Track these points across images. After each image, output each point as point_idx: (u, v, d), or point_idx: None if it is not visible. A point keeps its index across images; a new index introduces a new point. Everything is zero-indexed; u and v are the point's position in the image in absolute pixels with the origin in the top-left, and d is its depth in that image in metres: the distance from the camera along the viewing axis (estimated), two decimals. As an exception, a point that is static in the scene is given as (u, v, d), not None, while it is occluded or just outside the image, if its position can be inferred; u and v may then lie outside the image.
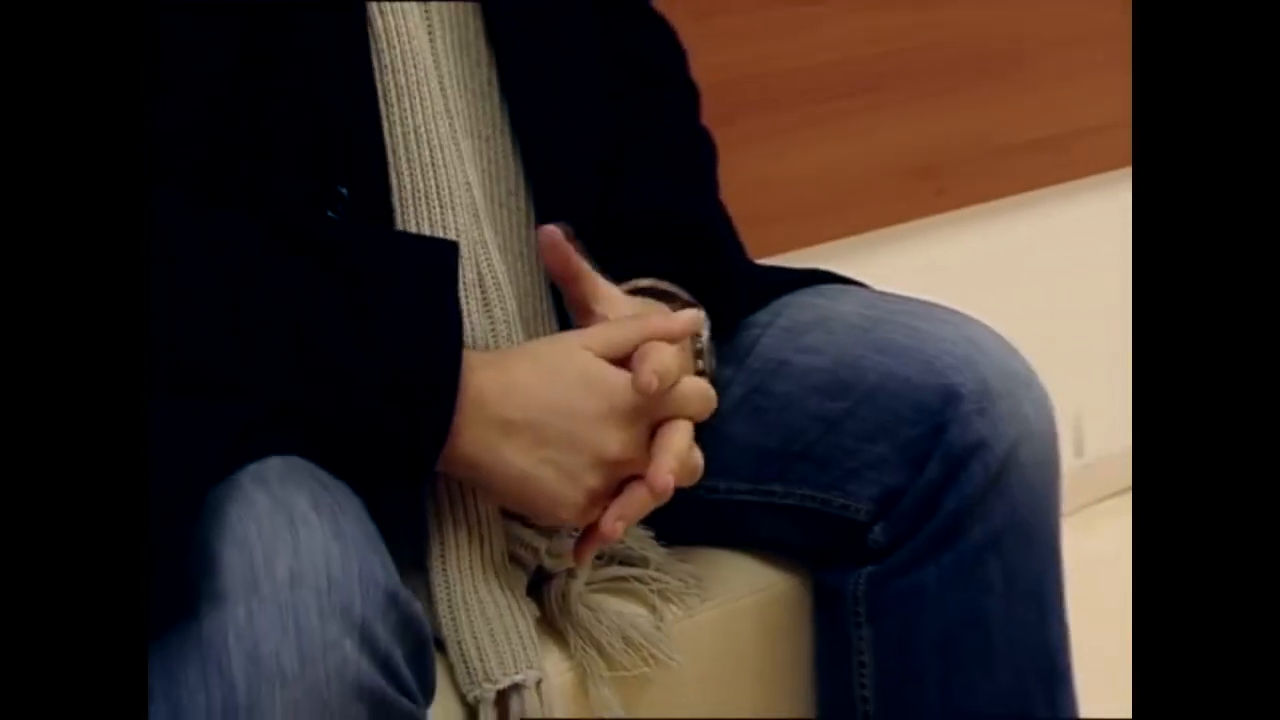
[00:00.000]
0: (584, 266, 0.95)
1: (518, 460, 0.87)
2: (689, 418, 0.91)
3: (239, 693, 0.71)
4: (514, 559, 0.97)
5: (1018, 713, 1.04)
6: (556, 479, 0.89)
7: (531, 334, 0.99)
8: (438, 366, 0.85)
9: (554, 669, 0.93)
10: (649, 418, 0.90)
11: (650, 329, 0.92)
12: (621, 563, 1.03)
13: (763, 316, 1.06)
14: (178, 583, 0.73)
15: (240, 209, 0.91)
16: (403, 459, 0.85)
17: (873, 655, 1.04)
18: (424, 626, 0.81)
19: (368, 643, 0.74)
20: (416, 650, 0.78)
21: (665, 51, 1.19)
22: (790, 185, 1.71)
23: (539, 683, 0.91)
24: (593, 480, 0.88)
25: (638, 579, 1.01)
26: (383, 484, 0.87)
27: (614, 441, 0.88)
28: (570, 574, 0.99)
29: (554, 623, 0.99)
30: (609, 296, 0.95)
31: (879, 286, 1.16)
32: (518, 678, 0.90)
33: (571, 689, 0.94)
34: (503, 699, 0.89)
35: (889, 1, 1.79)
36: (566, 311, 1.00)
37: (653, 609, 0.98)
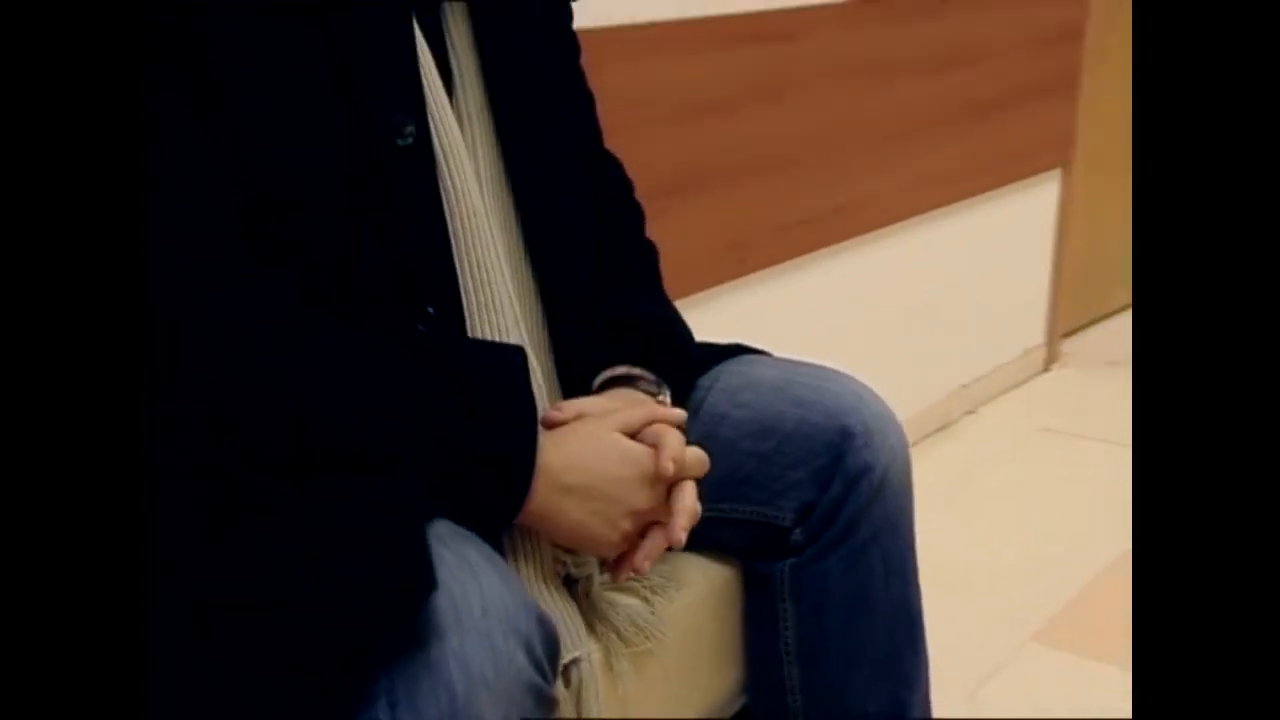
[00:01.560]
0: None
1: (573, 512, 1.07)
2: (692, 478, 1.13)
3: (459, 699, 0.89)
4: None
5: (894, 653, 1.30)
6: (601, 525, 1.10)
7: (551, 401, 1.18)
8: (522, 450, 1.04)
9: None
10: (666, 481, 1.12)
11: (653, 414, 1.15)
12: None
13: (704, 381, 1.29)
14: (410, 623, 0.91)
15: (356, 323, 1.06)
16: (495, 515, 1.05)
17: (794, 622, 1.27)
18: (554, 631, 1.00)
19: (530, 652, 0.93)
20: (550, 649, 0.98)
21: (622, 181, 1.40)
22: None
23: (589, 657, 1.14)
24: (627, 526, 1.10)
25: (634, 580, 1.20)
26: (476, 529, 1.03)
27: (643, 499, 1.10)
28: (589, 579, 1.19)
29: (582, 614, 1.19)
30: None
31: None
32: (576, 654, 1.11)
33: (599, 663, 1.14)
34: (567, 671, 1.10)
35: (698, 120, 2.00)
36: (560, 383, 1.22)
37: (646, 600, 1.19)
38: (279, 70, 1.05)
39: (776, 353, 1.39)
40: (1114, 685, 2.04)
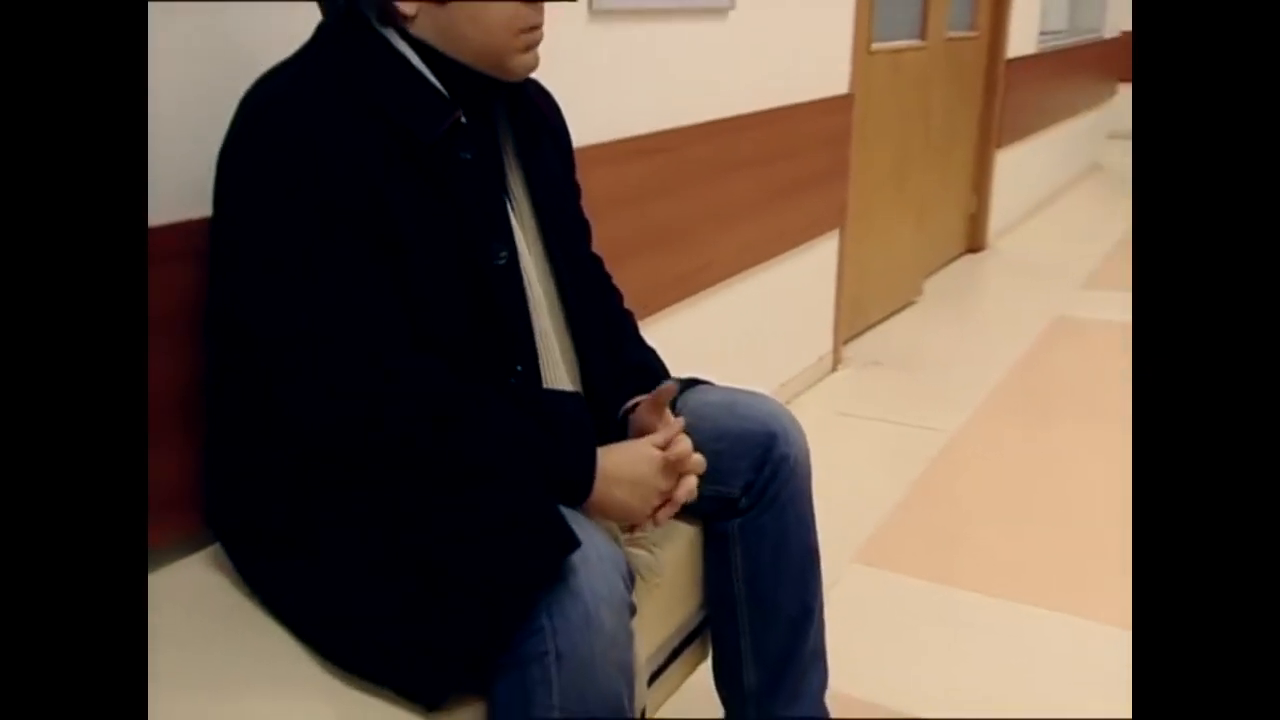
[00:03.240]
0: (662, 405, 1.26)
1: (620, 497, 1.18)
2: (693, 471, 1.23)
3: (590, 609, 1.02)
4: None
5: (803, 574, 1.42)
6: (639, 504, 1.20)
7: None
8: (587, 465, 1.15)
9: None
10: (679, 474, 1.22)
11: (674, 431, 1.23)
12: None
13: (678, 404, 1.35)
14: (561, 567, 1.02)
15: (473, 377, 1.13)
16: (571, 501, 1.13)
17: (741, 562, 1.40)
18: (631, 568, 1.10)
19: (624, 580, 1.07)
20: (630, 579, 1.09)
21: (605, 272, 1.48)
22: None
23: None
24: (655, 502, 1.21)
25: (642, 538, 1.32)
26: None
27: (665, 486, 1.21)
28: (616, 538, 1.24)
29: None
30: (665, 419, 1.26)
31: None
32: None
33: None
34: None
35: (616, 210, 2.01)
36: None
37: (650, 551, 1.31)
38: (424, 222, 1.13)
39: (674, 370, 1.45)
40: (916, 592, 2.15)
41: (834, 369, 3.37)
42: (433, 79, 1.15)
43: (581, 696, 1.01)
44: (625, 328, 1.45)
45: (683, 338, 2.38)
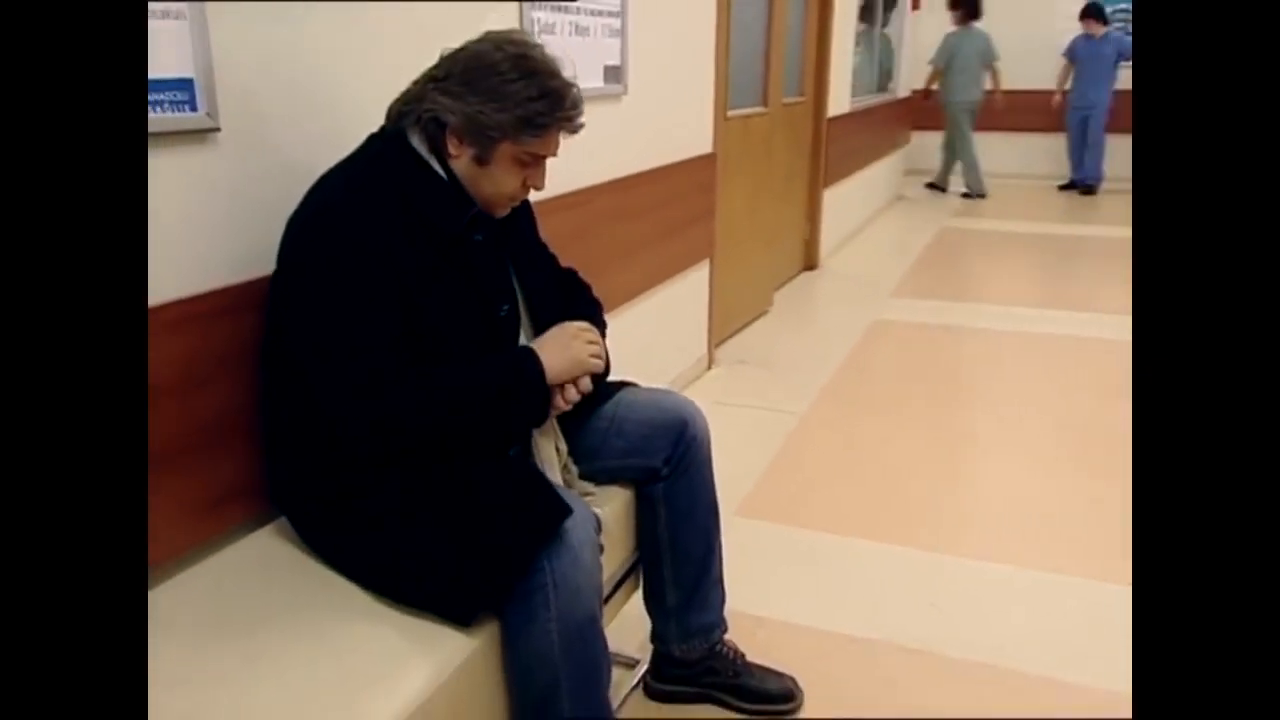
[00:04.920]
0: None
1: (557, 359, 1.25)
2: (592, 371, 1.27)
3: (578, 554, 1.12)
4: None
5: (707, 524, 1.51)
6: (576, 355, 1.26)
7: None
8: (537, 367, 1.22)
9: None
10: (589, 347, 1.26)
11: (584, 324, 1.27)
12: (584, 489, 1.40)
13: (613, 400, 1.44)
14: (554, 522, 1.11)
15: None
16: (534, 390, 1.21)
17: (664, 514, 1.49)
18: (599, 521, 1.19)
19: (597, 529, 1.17)
20: (599, 527, 1.18)
21: (575, 272, 1.52)
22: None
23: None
24: (581, 354, 1.26)
25: (588, 497, 1.36)
26: (543, 403, 1.21)
27: (579, 349, 1.27)
28: (572, 475, 1.35)
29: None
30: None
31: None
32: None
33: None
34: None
35: None
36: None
37: (598, 509, 1.28)
38: (442, 287, 1.20)
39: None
40: (781, 535, 2.20)
41: (709, 368, 3.38)
42: (453, 188, 1.24)
43: (570, 612, 1.14)
44: (586, 296, 1.51)
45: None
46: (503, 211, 1.29)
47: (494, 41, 1.20)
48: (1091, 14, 6.91)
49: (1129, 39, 6.88)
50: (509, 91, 1.17)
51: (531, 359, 1.24)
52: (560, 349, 1.26)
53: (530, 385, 1.23)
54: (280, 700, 1.00)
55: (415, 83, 1.23)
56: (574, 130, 1.23)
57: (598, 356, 1.30)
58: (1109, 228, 6.06)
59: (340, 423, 1.17)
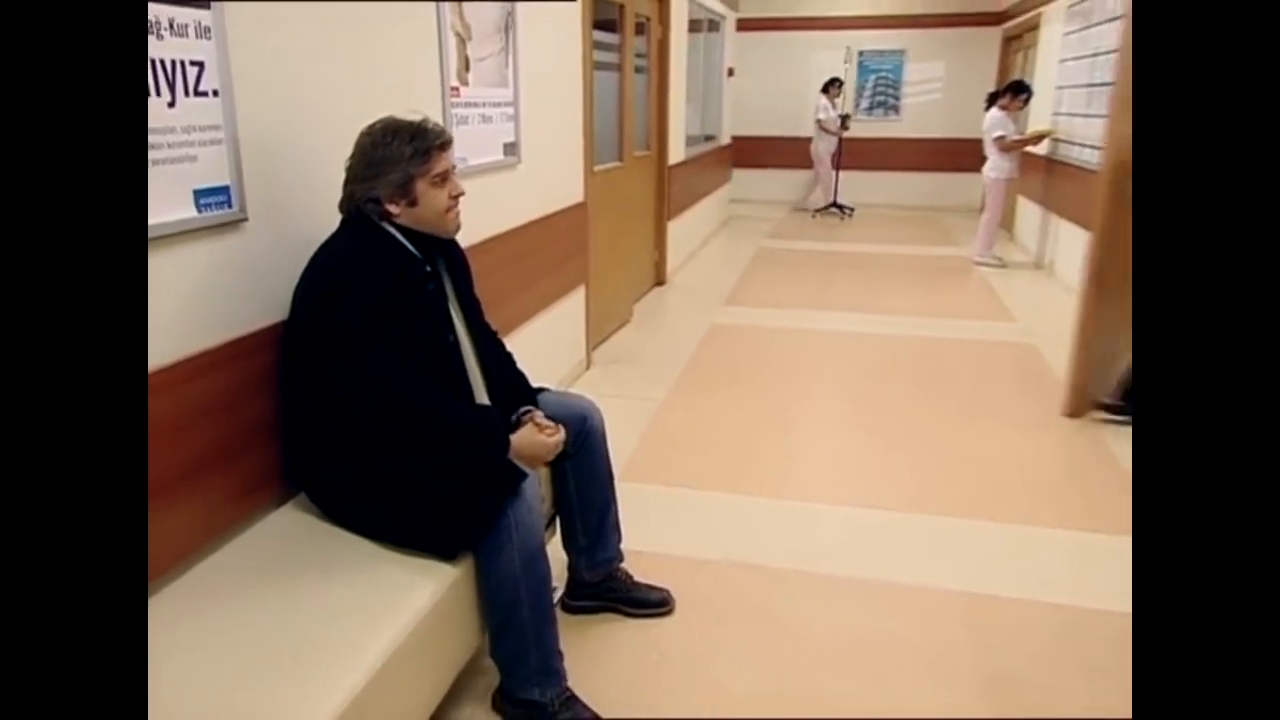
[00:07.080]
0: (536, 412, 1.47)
1: (524, 454, 1.40)
2: (557, 434, 1.44)
3: (530, 506, 1.29)
4: None
5: (605, 486, 1.68)
6: (536, 457, 1.42)
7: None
8: (504, 447, 1.35)
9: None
10: (550, 435, 1.43)
11: (542, 420, 1.42)
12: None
13: (535, 401, 1.56)
14: (515, 483, 1.27)
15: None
16: (498, 458, 1.33)
17: (572, 479, 1.66)
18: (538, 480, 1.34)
19: (539, 489, 1.34)
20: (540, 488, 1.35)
21: (497, 335, 1.61)
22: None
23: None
24: (541, 454, 1.42)
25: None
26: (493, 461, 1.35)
27: (545, 453, 1.43)
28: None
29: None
30: (535, 418, 1.46)
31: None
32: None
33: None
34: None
35: None
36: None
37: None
38: (410, 320, 1.33)
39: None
40: (655, 492, 2.32)
41: (588, 368, 3.46)
42: (410, 246, 1.40)
43: (526, 543, 1.33)
44: (511, 367, 1.66)
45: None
46: (453, 224, 1.38)
47: (364, 131, 1.34)
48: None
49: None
50: (393, 149, 1.30)
51: (503, 438, 1.36)
52: (529, 448, 1.42)
53: (494, 454, 1.37)
54: (325, 615, 1.18)
55: (343, 188, 1.38)
56: (448, 143, 1.35)
57: (557, 444, 1.44)
58: (860, 245, 6.35)
59: (358, 401, 1.30)
